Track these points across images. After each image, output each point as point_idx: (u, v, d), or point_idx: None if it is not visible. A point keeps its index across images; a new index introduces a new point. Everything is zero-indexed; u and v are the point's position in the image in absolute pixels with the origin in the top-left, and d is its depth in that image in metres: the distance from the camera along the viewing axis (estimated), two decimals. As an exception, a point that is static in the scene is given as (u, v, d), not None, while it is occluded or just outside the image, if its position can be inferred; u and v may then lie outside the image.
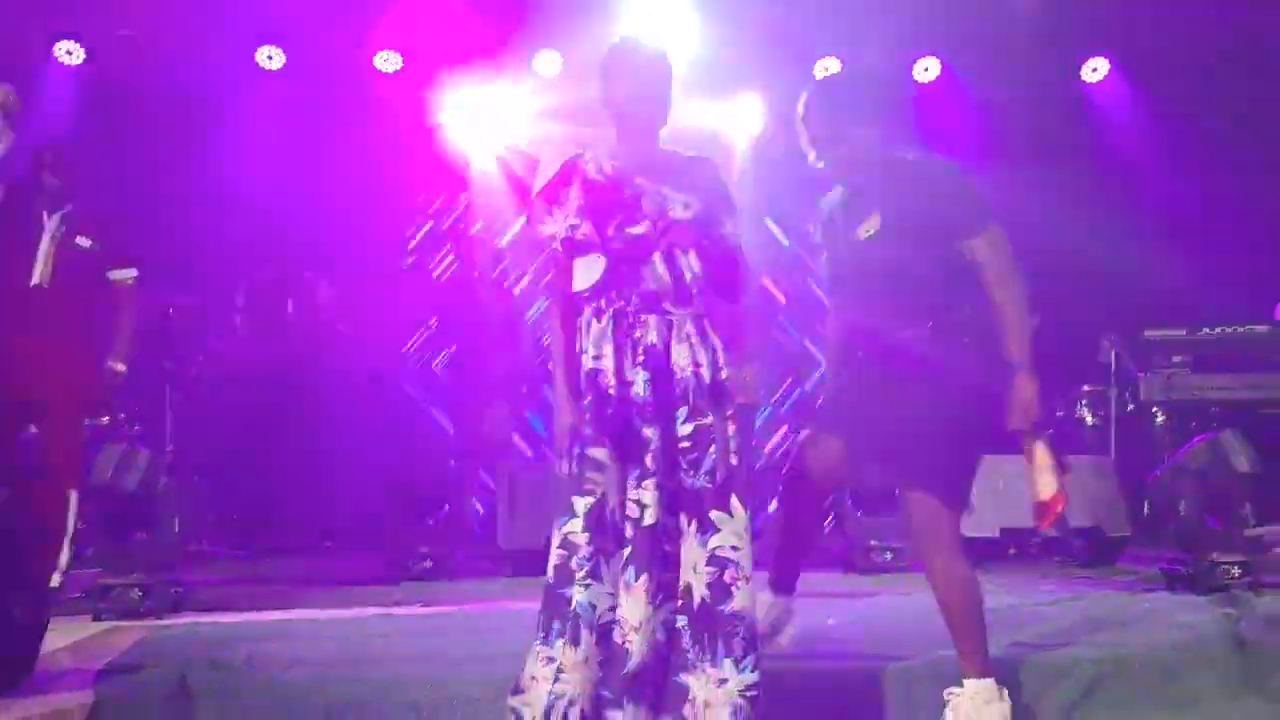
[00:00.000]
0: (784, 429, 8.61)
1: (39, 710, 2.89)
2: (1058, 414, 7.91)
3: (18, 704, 2.89)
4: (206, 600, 4.74)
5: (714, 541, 2.80)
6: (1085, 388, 7.75)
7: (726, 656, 2.76)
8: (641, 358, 2.85)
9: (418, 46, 8.15)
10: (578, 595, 2.75)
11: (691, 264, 2.91)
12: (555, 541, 2.83)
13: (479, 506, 6.52)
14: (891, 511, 5.67)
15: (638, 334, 2.87)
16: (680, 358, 2.87)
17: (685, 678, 2.79)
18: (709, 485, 2.82)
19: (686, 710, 2.78)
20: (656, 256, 2.89)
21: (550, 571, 2.81)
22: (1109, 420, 7.46)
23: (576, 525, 2.79)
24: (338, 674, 3.28)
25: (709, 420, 2.84)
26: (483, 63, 8.18)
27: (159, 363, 6.91)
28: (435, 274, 8.33)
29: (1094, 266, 8.30)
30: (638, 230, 2.88)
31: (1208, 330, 6.29)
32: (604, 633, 2.76)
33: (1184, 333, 6.34)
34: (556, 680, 2.73)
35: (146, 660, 3.36)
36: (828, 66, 8.47)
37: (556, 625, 2.77)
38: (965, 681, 3.11)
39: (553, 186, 2.94)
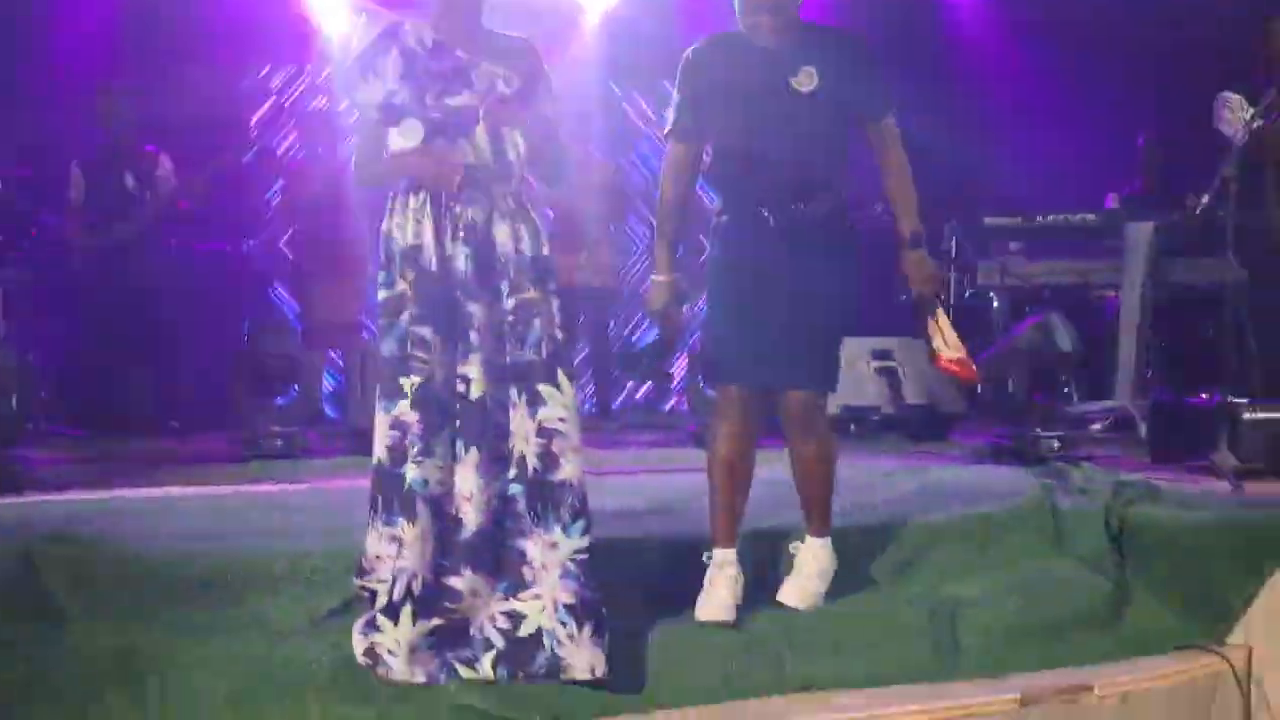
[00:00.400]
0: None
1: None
2: (901, 298, 8.20)
3: None
4: (49, 479, 4.66)
5: (542, 414, 2.90)
6: (928, 272, 8.02)
7: (556, 523, 2.90)
8: (463, 234, 2.90)
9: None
10: (411, 472, 2.84)
11: (515, 141, 2.96)
12: (385, 423, 2.89)
13: (329, 386, 6.47)
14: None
15: (458, 210, 2.91)
16: (501, 234, 2.93)
17: (522, 542, 2.93)
18: (536, 359, 2.92)
19: (525, 573, 2.91)
20: (479, 130, 2.92)
21: (383, 453, 2.89)
22: (949, 304, 7.77)
23: (405, 405, 2.85)
24: (192, 548, 3.28)
25: (532, 295, 2.92)
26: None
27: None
28: (280, 151, 8.12)
29: (936, 155, 8.54)
30: (458, 102, 2.91)
31: (1041, 218, 6.58)
32: (438, 506, 2.87)
33: (1019, 220, 6.62)
34: (399, 556, 2.83)
35: (-12, 538, 3.30)
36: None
37: (385, 503, 2.86)
38: (809, 539, 3.29)
39: (369, 53, 2.92)
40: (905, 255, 3.38)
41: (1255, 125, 5.12)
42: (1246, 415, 4.62)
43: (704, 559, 3.35)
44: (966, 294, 7.66)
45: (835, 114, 3.25)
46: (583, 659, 2.88)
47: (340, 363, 6.89)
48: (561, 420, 2.92)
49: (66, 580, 3.10)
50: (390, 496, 2.88)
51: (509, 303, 2.93)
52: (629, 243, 8.67)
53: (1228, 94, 5.47)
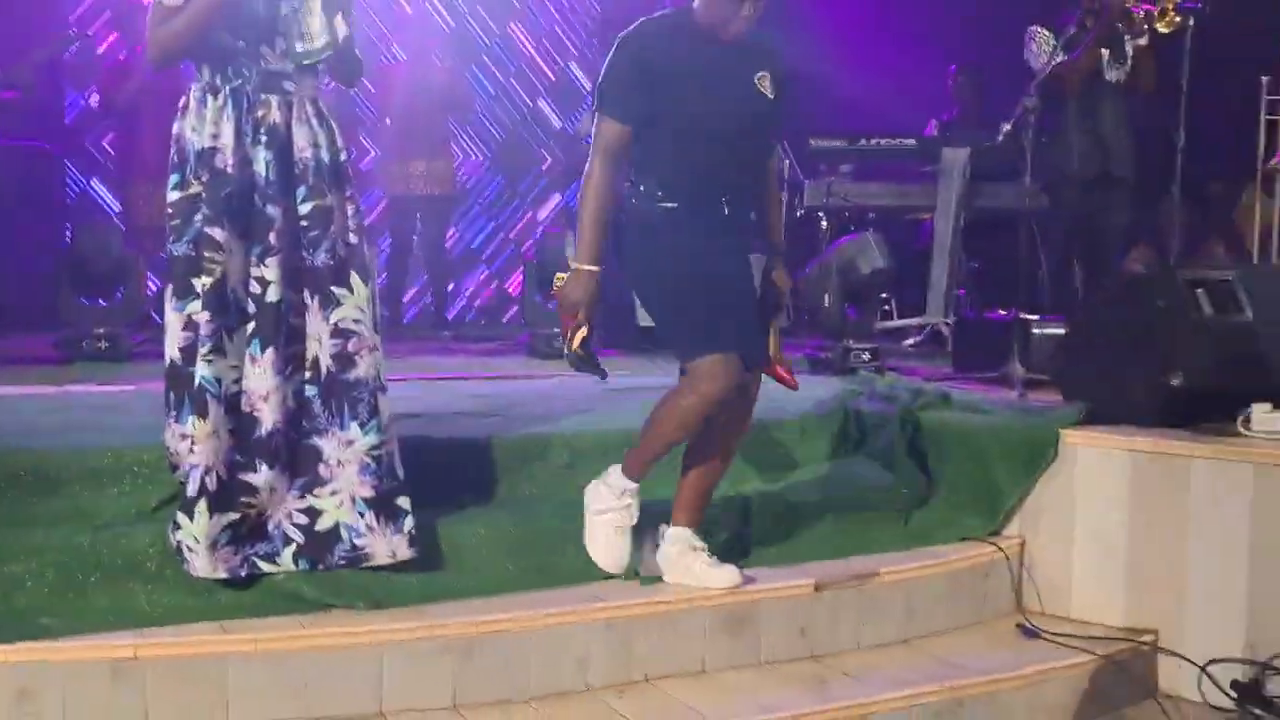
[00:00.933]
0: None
1: None
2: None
3: None
4: None
5: (335, 315, 3.01)
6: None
7: (353, 420, 3.01)
8: (265, 138, 2.95)
9: None
10: (202, 370, 2.91)
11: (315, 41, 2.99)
12: (177, 323, 2.97)
13: (152, 287, 6.35)
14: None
15: (260, 113, 2.96)
16: (300, 138, 2.99)
17: (318, 440, 3.03)
18: (330, 262, 3.00)
19: (321, 470, 3.03)
20: (286, 34, 2.96)
21: (176, 353, 2.98)
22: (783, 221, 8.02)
23: (197, 305, 2.92)
24: (19, 443, 3.30)
25: (328, 200, 3.00)
26: None
27: None
28: (98, 50, 7.84)
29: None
30: (262, 8, 2.93)
31: (865, 141, 6.86)
32: (232, 403, 2.94)
33: (844, 143, 6.89)
34: (191, 452, 2.90)
35: None
36: None
37: (178, 400, 2.97)
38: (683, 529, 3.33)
39: None
40: (775, 265, 3.49)
41: (1058, 59, 5.45)
42: (1036, 330, 4.97)
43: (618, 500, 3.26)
44: (798, 213, 7.96)
45: (779, 124, 3.37)
46: (383, 546, 3.02)
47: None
48: (356, 321, 3.02)
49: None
50: (182, 395, 2.95)
51: (304, 207, 2.99)
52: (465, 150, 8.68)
53: (1036, 28, 5.78)
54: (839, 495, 3.87)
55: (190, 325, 2.94)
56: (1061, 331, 4.98)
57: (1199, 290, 3.93)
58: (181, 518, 2.92)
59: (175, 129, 2.99)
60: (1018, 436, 3.95)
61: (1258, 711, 3.38)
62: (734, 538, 3.60)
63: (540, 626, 3.08)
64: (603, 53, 8.93)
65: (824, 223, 7.82)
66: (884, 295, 7.16)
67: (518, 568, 3.30)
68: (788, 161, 7.70)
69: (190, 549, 2.91)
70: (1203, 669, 3.52)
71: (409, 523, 3.06)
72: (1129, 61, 5.64)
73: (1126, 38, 5.56)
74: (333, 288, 3.01)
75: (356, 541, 3.01)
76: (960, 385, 4.98)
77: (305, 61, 3.00)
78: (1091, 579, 3.80)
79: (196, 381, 2.92)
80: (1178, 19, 5.23)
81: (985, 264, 7.29)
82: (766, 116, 3.24)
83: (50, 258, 7.27)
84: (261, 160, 2.95)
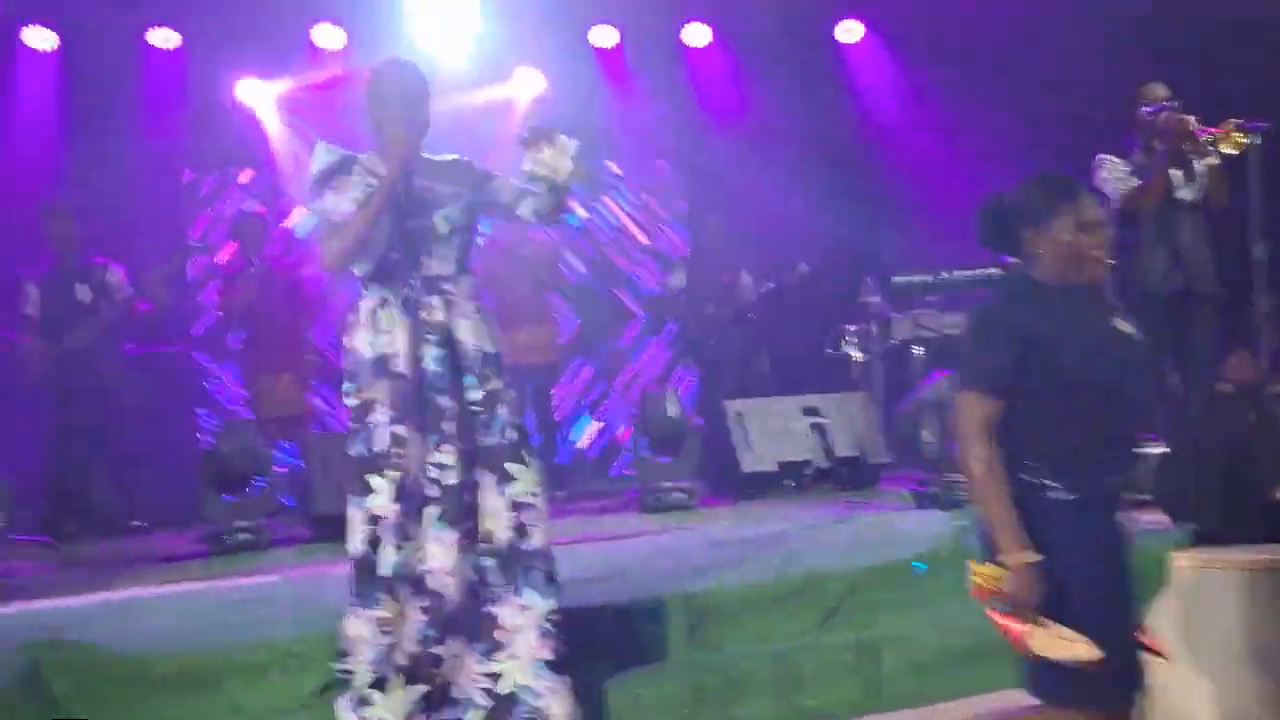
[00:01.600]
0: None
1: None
2: (828, 350, 8.64)
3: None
4: (32, 589, 4.89)
5: (511, 491, 3.25)
6: (851, 326, 8.46)
7: (528, 587, 3.23)
8: (433, 336, 3.23)
9: (194, 22, 8.21)
10: (391, 557, 3.14)
11: (465, 245, 3.35)
12: (360, 518, 3.18)
13: (286, 477, 6.74)
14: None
15: (424, 314, 3.24)
16: (462, 332, 3.27)
17: (493, 609, 3.24)
18: (503, 442, 3.26)
19: (499, 636, 3.23)
20: (450, 242, 3.29)
21: (360, 546, 3.18)
22: (873, 355, 8.19)
23: (380, 500, 3.15)
24: (179, 642, 3.57)
25: (493, 385, 3.27)
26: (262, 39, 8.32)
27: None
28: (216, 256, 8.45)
29: (857, 214, 9.07)
30: (417, 224, 3.25)
31: (946, 274, 7.03)
32: (419, 583, 3.17)
33: (928, 278, 7.06)
34: (385, 634, 3.12)
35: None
36: (606, 35, 8.91)
37: (372, 591, 3.15)
38: None
39: (328, 173, 3.25)
40: None
41: (1131, 184, 5.62)
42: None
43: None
44: (889, 344, 8.12)
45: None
46: (562, 709, 3.20)
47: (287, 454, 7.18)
48: (531, 495, 3.26)
49: (70, 683, 3.37)
50: (370, 583, 3.15)
51: (475, 394, 3.25)
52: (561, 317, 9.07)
53: (1104, 156, 5.96)
54: (959, 634, 3.93)
55: (372, 520, 3.17)
56: (1163, 451, 5.04)
57: (1292, 402, 4.00)
58: (374, 695, 3.13)
59: (346, 342, 3.30)
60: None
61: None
62: (862, 682, 3.70)
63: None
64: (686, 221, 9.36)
65: (915, 352, 8.01)
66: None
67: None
68: (875, 299, 7.93)
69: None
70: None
71: (571, 684, 3.25)
72: (1200, 179, 5.78)
73: (1193, 158, 5.71)
74: (507, 465, 3.25)
75: (535, 704, 3.20)
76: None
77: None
78: (1212, 699, 3.80)
79: (388, 569, 3.13)
80: (1243, 140, 5.36)
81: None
82: (1142, 365, 2.87)
83: (185, 456, 7.80)
84: (430, 357, 3.22)
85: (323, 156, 3.29)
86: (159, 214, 8.24)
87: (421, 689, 3.17)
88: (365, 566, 3.18)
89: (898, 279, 7.06)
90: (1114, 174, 5.80)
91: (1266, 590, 3.71)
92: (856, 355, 8.46)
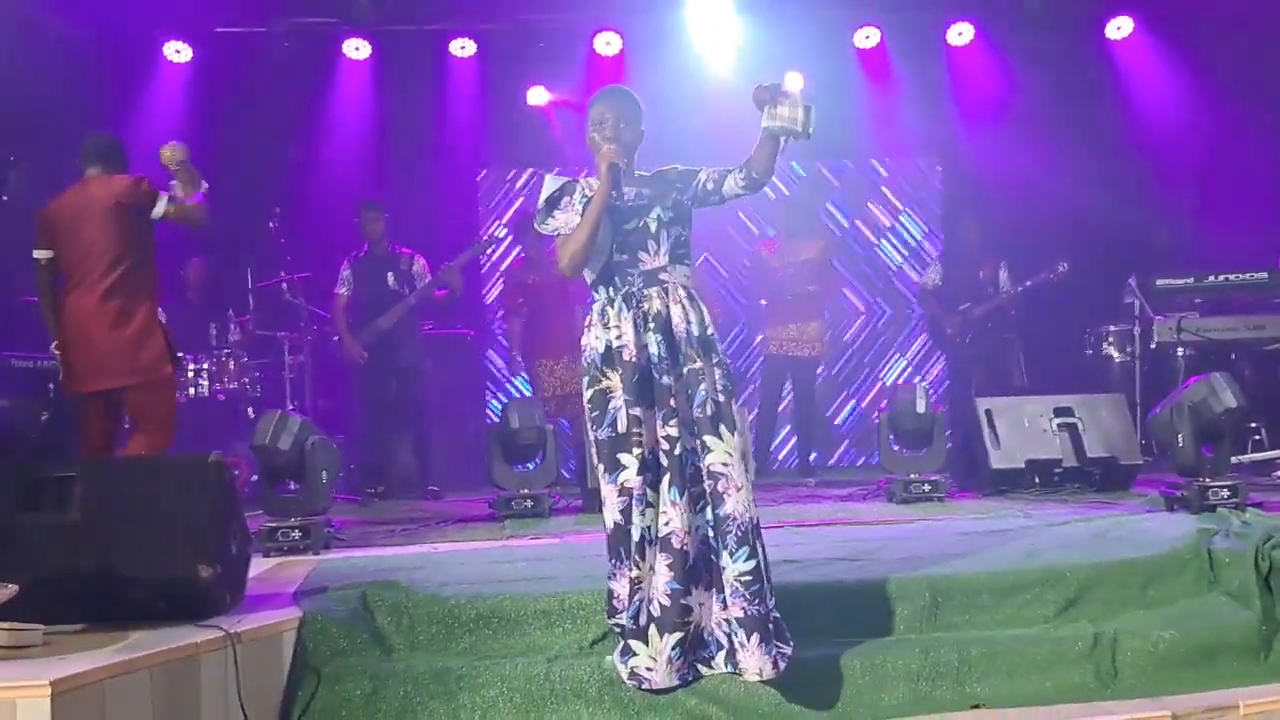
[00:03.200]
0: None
1: (265, 623, 3.79)
2: (1087, 352, 8.65)
3: (246, 619, 3.79)
4: (351, 539, 5.66)
5: (708, 459, 3.62)
6: (1111, 327, 8.45)
7: (724, 549, 3.61)
8: (652, 324, 3.67)
9: (488, 31, 8.97)
10: (641, 522, 3.60)
11: (681, 240, 3.78)
12: (613, 492, 3.67)
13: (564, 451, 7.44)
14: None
15: (645, 306, 3.69)
16: (677, 317, 3.69)
17: (719, 561, 3.65)
18: (702, 415, 3.63)
19: (728, 584, 3.62)
20: (660, 236, 3.73)
21: (616, 516, 3.66)
22: (1134, 357, 8.17)
23: (629, 474, 3.62)
24: (481, 590, 4.16)
25: (698, 364, 3.66)
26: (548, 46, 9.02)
27: (276, 333, 7.90)
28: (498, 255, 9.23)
29: (1119, 213, 9.00)
30: (631, 225, 3.73)
31: (1213, 278, 6.99)
32: (665, 542, 3.60)
33: (1191, 280, 7.04)
34: (637, 590, 3.61)
35: (328, 585, 4.26)
36: (868, 35, 9.17)
37: (623, 552, 3.66)
38: None
39: (555, 197, 3.78)
40: None
41: None
42: None
43: None
44: (1151, 346, 8.08)
45: None
46: (753, 663, 3.58)
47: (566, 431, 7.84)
48: (724, 465, 3.61)
49: (392, 616, 4.02)
50: (626, 547, 3.65)
51: (686, 369, 3.67)
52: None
53: None
54: (1196, 631, 4.08)
55: (624, 492, 3.64)
56: None
57: None
58: (635, 644, 3.64)
59: (583, 342, 3.79)
60: (1376, 574, 4.05)
61: None
62: (1094, 670, 3.93)
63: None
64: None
65: (1179, 354, 7.94)
66: (1253, 425, 7.16)
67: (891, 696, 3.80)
68: (1138, 301, 7.91)
69: (649, 669, 3.62)
70: None
71: (778, 649, 3.61)
72: None
73: None
74: (705, 436, 3.63)
75: (735, 656, 3.62)
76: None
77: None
78: None
79: (637, 534, 3.59)
80: None
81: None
82: None
83: (474, 429, 8.62)
84: (653, 342, 3.66)
85: (549, 185, 3.82)
86: (455, 210, 9.08)
87: (676, 635, 3.59)
88: (617, 534, 3.67)
89: (1161, 282, 7.05)
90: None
91: None
92: (1116, 355, 8.48)
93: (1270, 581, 4.29)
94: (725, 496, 3.63)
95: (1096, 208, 8.79)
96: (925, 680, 3.86)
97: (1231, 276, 6.96)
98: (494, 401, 9.26)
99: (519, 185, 9.51)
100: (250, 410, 7.70)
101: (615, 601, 3.80)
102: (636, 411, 3.64)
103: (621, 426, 3.66)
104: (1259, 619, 4.18)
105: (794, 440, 8.88)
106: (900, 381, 9.43)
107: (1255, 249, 7.48)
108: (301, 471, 5.38)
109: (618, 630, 3.78)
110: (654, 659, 3.62)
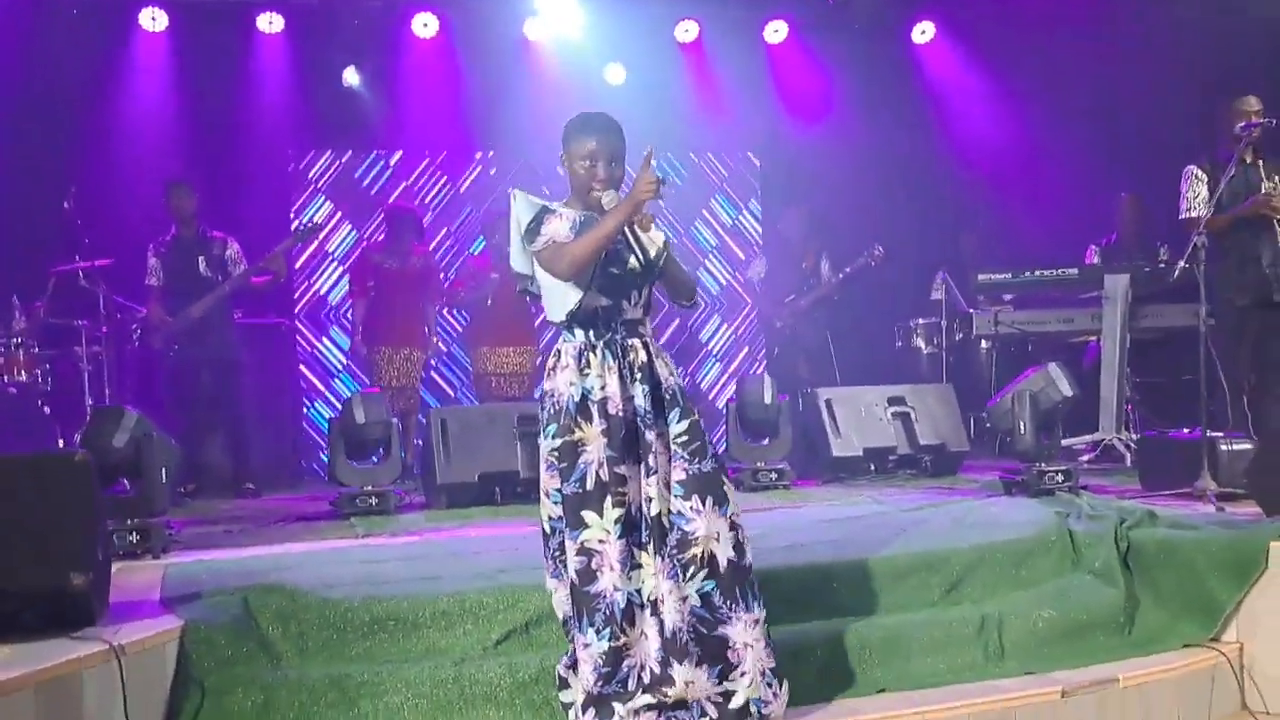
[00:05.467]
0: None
1: (148, 634, 3.45)
2: (897, 344, 8.98)
3: (124, 630, 3.45)
4: (187, 540, 5.26)
5: (729, 510, 3.41)
6: (920, 320, 8.81)
7: (755, 599, 3.40)
8: (639, 375, 3.42)
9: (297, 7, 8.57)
10: (628, 586, 3.33)
11: (650, 294, 3.55)
12: (572, 550, 3.34)
13: (410, 446, 7.17)
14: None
15: (630, 357, 3.43)
16: (661, 369, 3.47)
17: (724, 630, 3.36)
18: (714, 468, 3.42)
19: (731, 656, 3.36)
20: (642, 290, 3.50)
21: (575, 576, 3.34)
22: (942, 349, 8.53)
23: (594, 534, 3.32)
24: (372, 592, 3.93)
25: (696, 416, 3.46)
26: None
27: (74, 323, 7.31)
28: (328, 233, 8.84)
29: (927, 211, 9.39)
30: (619, 270, 3.43)
31: (1029, 274, 7.36)
32: (655, 608, 3.34)
33: (1009, 276, 7.40)
34: (625, 656, 3.33)
35: (200, 591, 3.94)
36: (688, 29, 9.24)
37: (592, 617, 3.32)
38: None
39: (538, 219, 3.43)
40: None
41: (1206, 211, 5.96)
42: (1224, 447, 5.37)
43: None
44: (957, 338, 8.46)
45: None
46: (779, 707, 3.46)
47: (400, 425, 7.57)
48: (738, 514, 3.43)
49: (278, 623, 3.75)
50: (590, 612, 3.32)
51: (682, 425, 3.41)
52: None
53: (1193, 167, 6.29)
54: (1070, 609, 4.28)
55: (584, 551, 3.33)
56: (1249, 448, 5.37)
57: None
58: (617, 706, 3.32)
59: (547, 385, 3.44)
60: (1228, 548, 4.33)
61: None
62: (982, 650, 4.05)
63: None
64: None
65: (983, 346, 8.34)
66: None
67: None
68: (946, 295, 8.27)
69: None
70: None
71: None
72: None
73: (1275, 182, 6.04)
74: (722, 488, 3.41)
75: (764, 711, 3.42)
76: (1151, 501, 5.35)
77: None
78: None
79: (623, 600, 3.31)
80: None
81: (1149, 381, 7.70)
82: None
83: (291, 423, 8.23)
84: (640, 394, 3.40)
85: (527, 207, 3.46)
86: (269, 193, 8.63)
87: (655, 700, 3.32)
88: (581, 596, 3.33)
89: (982, 276, 7.38)
90: (1196, 190, 6.14)
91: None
92: (924, 347, 8.84)
93: (1128, 561, 4.54)
94: (746, 545, 3.44)
95: (910, 205, 9.15)
96: (831, 667, 3.88)
97: (1046, 273, 7.34)
98: (321, 397, 8.91)
99: (338, 168, 9.13)
100: (44, 405, 7.10)
101: (564, 672, 3.51)
102: (621, 470, 3.36)
103: (590, 484, 3.35)
104: (1123, 596, 4.41)
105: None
106: (743, 375, 9.54)
107: (1063, 246, 7.93)
108: (138, 470, 4.98)
109: (574, 694, 3.44)
110: (628, 714, 3.35)
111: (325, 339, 9.04)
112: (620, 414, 3.39)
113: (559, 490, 3.41)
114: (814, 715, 3.62)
